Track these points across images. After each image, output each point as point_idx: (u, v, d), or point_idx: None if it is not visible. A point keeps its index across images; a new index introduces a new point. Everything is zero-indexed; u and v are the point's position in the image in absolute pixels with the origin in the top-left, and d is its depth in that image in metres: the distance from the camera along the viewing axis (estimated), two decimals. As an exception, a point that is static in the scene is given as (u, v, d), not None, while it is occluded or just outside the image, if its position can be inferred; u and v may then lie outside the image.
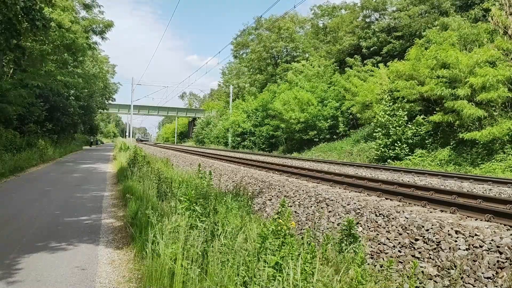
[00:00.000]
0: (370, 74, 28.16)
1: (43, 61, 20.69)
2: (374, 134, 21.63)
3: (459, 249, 4.63)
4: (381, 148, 20.52)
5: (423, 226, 5.36)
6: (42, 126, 25.21)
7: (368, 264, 5.04)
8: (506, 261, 4.19)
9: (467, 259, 4.43)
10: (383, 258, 5.16)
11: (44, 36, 15.54)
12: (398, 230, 5.55)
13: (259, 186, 10.33)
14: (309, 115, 30.30)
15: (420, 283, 4.42)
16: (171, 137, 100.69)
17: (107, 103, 55.44)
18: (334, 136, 30.98)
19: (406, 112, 20.30)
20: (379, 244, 5.47)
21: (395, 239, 5.40)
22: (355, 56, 33.59)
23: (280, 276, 3.07)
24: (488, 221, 5.56)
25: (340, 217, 6.66)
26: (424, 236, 5.15)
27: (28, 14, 12.34)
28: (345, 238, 4.73)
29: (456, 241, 4.80)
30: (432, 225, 5.32)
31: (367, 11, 35.85)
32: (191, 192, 4.40)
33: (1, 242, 5.30)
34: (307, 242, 4.13)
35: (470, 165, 16.00)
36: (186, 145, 63.74)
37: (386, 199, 7.56)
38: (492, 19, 17.51)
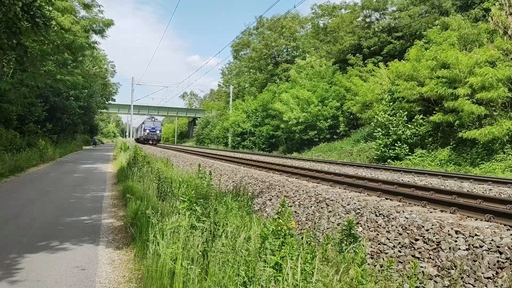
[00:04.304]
0: (371, 74, 28.15)
1: (43, 60, 20.67)
2: (374, 134, 21.63)
3: (459, 249, 4.64)
4: (381, 148, 20.51)
5: (423, 226, 5.36)
6: (42, 126, 25.23)
7: (368, 264, 5.04)
8: (506, 261, 4.19)
9: (467, 259, 4.43)
10: (383, 258, 5.16)
11: (44, 36, 15.50)
12: (398, 230, 5.55)
13: (259, 186, 10.32)
14: (309, 114, 30.28)
15: (420, 283, 4.42)
16: (171, 137, 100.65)
17: (107, 103, 55.38)
18: (334, 136, 30.95)
19: (406, 112, 20.30)
20: (379, 244, 5.47)
21: (395, 239, 5.40)
22: (357, 54, 33.60)
23: (280, 276, 3.07)
24: (488, 221, 5.56)
25: (340, 217, 6.66)
26: (424, 236, 5.15)
27: (29, 11, 12.34)
28: (345, 238, 4.73)
29: (456, 241, 4.80)
30: (432, 225, 5.32)
31: (368, 11, 35.84)
32: (191, 192, 4.40)
33: (1, 242, 5.30)
34: (307, 242, 4.13)
35: (470, 165, 16.00)
36: (186, 145, 63.72)
37: (386, 199, 7.56)
38: (492, 19, 17.47)
